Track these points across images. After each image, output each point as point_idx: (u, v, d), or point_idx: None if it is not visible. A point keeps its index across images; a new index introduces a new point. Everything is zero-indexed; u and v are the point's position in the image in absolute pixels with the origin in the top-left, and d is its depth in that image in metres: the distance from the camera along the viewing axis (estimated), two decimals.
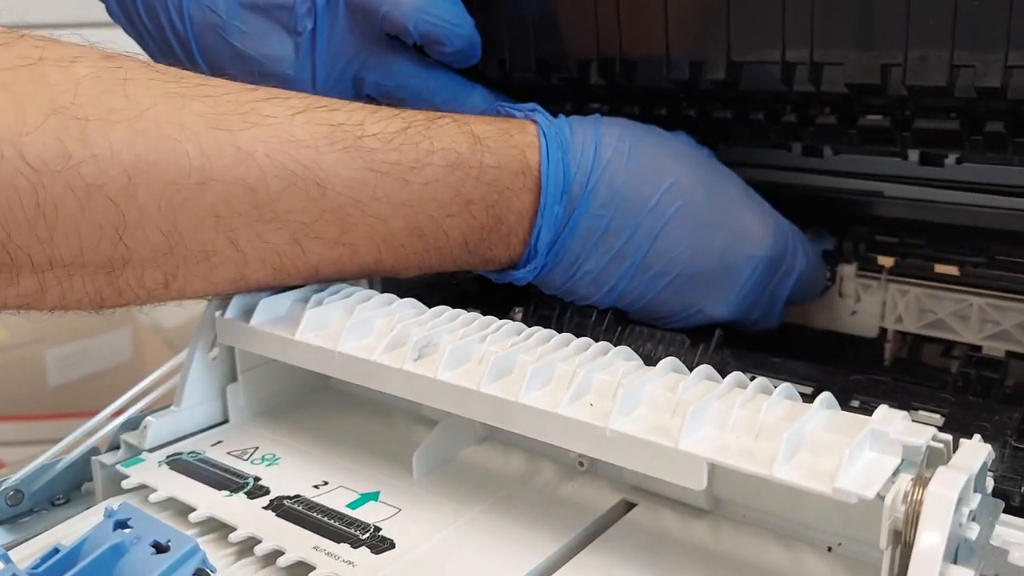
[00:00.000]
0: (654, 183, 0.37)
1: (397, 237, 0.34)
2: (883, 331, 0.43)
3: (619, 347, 0.31)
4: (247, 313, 0.36)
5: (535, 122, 0.37)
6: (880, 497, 0.24)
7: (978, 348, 0.41)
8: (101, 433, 0.38)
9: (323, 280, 0.35)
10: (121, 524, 0.27)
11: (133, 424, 0.38)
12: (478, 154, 0.34)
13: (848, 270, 0.44)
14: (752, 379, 0.28)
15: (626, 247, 0.37)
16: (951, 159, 0.39)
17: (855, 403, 0.35)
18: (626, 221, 0.36)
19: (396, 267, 0.35)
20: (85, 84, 0.27)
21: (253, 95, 0.31)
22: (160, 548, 0.26)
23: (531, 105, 0.38)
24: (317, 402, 0.41)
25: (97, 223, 0.27)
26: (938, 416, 0.34)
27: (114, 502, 0.34)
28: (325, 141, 0.31)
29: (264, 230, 0.31)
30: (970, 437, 0.26)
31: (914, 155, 0.40)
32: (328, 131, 0.31)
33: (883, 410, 0.26)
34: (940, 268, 0.41)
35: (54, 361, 1.05)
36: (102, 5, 0.42)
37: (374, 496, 0.33)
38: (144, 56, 0.42)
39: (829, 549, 0.29)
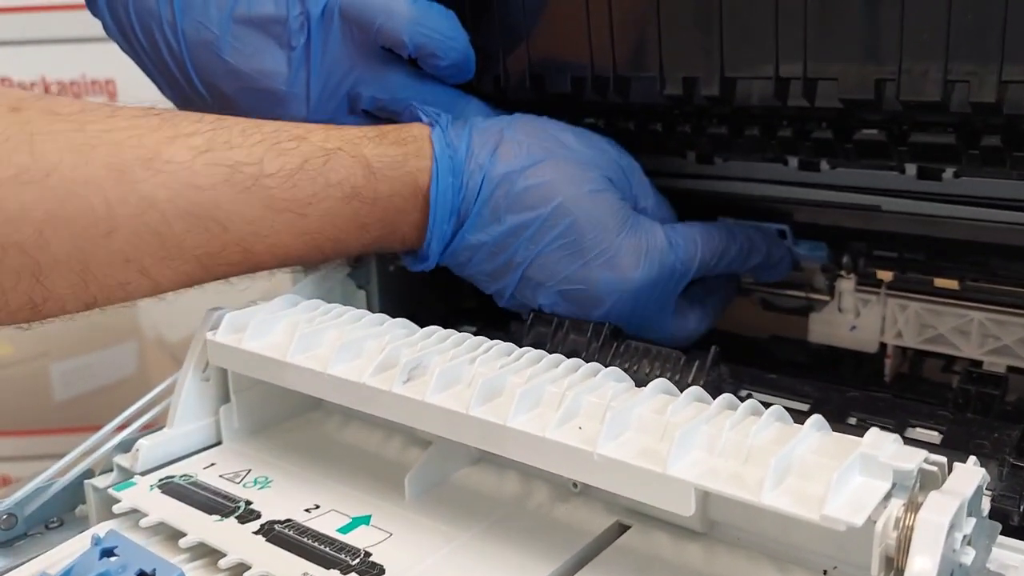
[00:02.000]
0: (538, 207, 0.39)
1: (299, 255, 0.37)
2: (883, 346, 0.43)
3: (609, 368, 0.31)
4: (238, 334, 0.36)
5: (431, 144, 0.39)
6: (872, 523, 0.23)
7: (979, 363, 0.40)
8: (96, 455, 0.38)
9: (233, 280, 0.38)
10: (107, 552, 0.27)
11: (127, 446, 0.37)
12: (372, 184, 0.37)
13: (847, 285, 0.43)
14: (747, 396, 0.28)
15: (511, 260, 0.39)
16: (949, 173, 0.38)
17: (852, 420, 0.35)
18: (510, 239, 0.39)
19: (306, 266, 0.39)
20: None
21: (157, 136, 0.33)
22: None
23: (436, 111, 0.40)
24: (311, 421, 0.41)
25: (14, 271, 0.30)
26: (936, 433, 0.34)
27: (105, 527, 0.34)
28: (225, 185, 0.34)
29: (172, 263, 0.33)
30: (968, 455, 0.26)
31: (911, 169, 0.39)
32: (227, 173, 0.34)
33: (873, 433, 0.26)
34: (940, 282, 0.41)
35: (59, 376, 1.05)
36: (98, 22, 0.43)
37: (365, 520, 0.32)
38: (139, 73, 0.43)
39: (824, 572, 0.29)
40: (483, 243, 0.39)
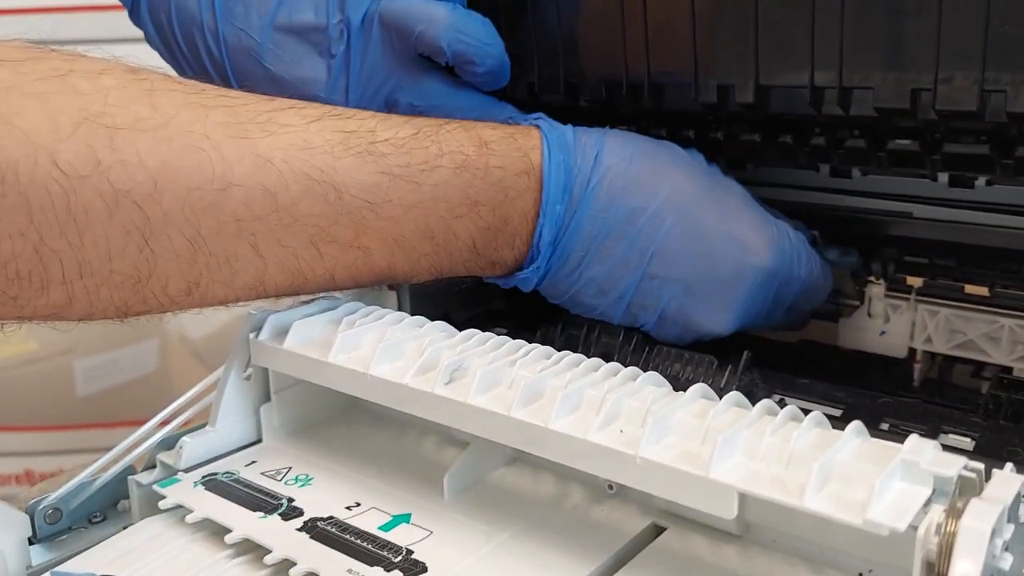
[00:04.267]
0: (654, 189, 0.37)
1: (408, 239, 0.35)
2: (912, 351, 0.43)
3: (648, 372, 0.31)
4: (280, 335, 0.37)
5: (539, 127, 0.38)
6: (912, 528, 0.24)
7: (1009, 369, 0.41)
8: (137, 452, 0.39)
9: (338, 287, 0.36)
10: None
11: (169, 443, 0.38)
12: (484, 156, 0.36)
13: (877, 290, 0.43)
14: (780, 401, 0.28)
15: (628, 254, 0.37)
16: (981, 181, 0.39)
17: (885, 426, 0.35)
18: (626, 227, 0.37)
19: (408, 271, 0.36)
20: (113, 94, 0.28)
21: (270, 105, 0.32)
22: None
23: (536, 114, 0.39)
24: (348, 421, 0.41)
25: (124, 228, 0.28)
26: (968, 440, 0.34)
27: (150, 522, 0.35)
28: (340, 147, 0.33)
29: (283, 234, 0.32)
30: (1002, 462, 0.26)
31: (943, 176, 0.40)
32: (342, 137, 0.33)
33: (913, 439, 0.26)
34: (970, 289, 0.41)
35: (83, 372, 1.07)
36: (128, 23, 0.43)
37: (406, 518, 0.33)
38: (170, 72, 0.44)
39: (860, 575, 0.29)
40: (598, 233, 0.37)
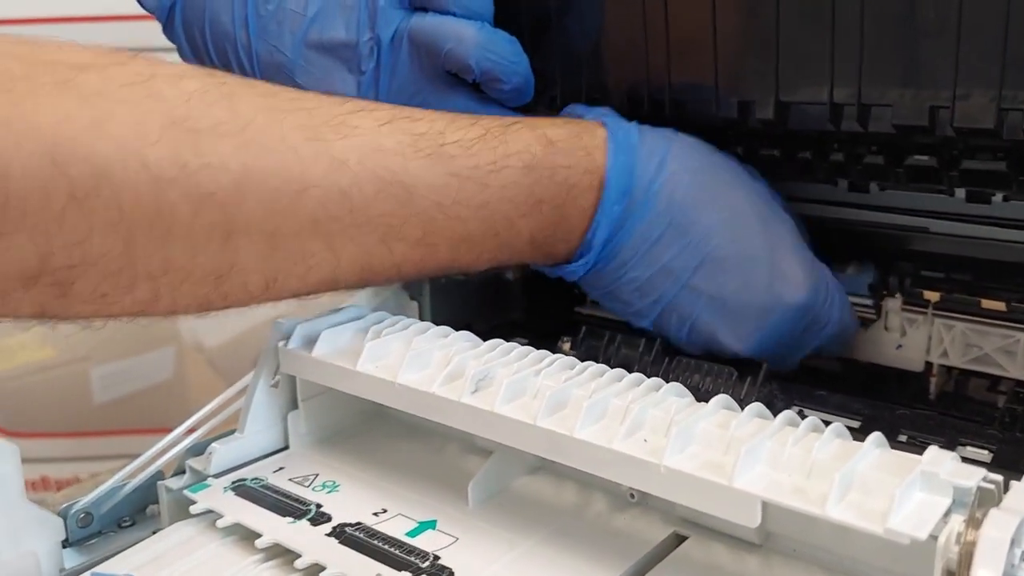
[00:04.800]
0: (713, 205, 0.38)
1: (474, 237, 0.35)
2: (928, 365, 0.44)
3: (671, 383, 0.32)
4: (309, 344, 0.38)
5: (604, 126, 0.39)
6: (932, 538, 0.24)
7: None
8: (165, 458, 0.40)
9: (403, 278, 0.37)
10: None
11: (198, 450, 0.39)
12: (551, 156, 0.36)
13: (893, 304, 0.44)
14: (799, 412, 0.29)
15: (674, 263, 0.38)
16: (998, 196, 0.39)
17: (902, 438, 0.36)
18: (677, 236, 0.38)
19: (469, 264, 0.37)
20: (195, 99, 0.29)
21: (342, 108, 0.33)
22: None
23: (604, 110, 0.40)
24: (373, 429, 0.42)
25: (207, 227, 0.29)
26: (986, 452, 0.35)
27: (181, 526, 0.36)
28: (410, 149, 0.33)
29: (356, 233, 0.32)
30: (1019, 474, 0.27)
31: (960, 192, 0.40)
32: (412, 140, 0.34)
33: (933, 451, 0.27)
34: (987, 303, 0.41)
35: (99, 379, 1.08)
36: (157, 33, 0.44)
37: (431, 524, 0.34)
38: None
39: None
40: (650, 237, 0.38)
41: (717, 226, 0.38)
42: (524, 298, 0.53)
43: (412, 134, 0.34)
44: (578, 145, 0.37)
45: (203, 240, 0.29)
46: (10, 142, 0.25)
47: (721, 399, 0.30)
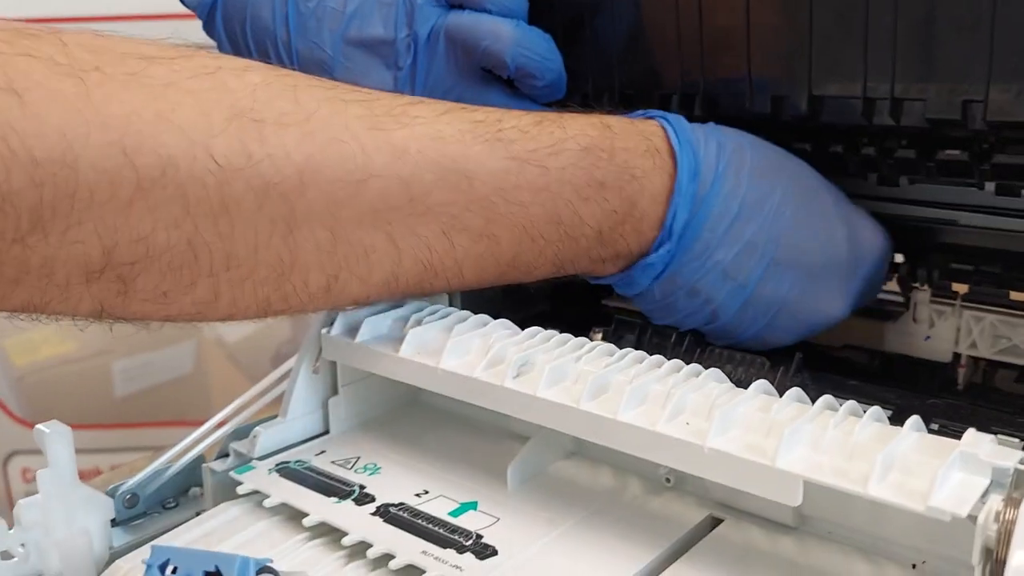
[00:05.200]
0: (777, 175, 0.38)
1: (536, 225, 0.35)
2: (956, 356, 0.44)
3: (710, 369, 0.33)
4: (351, 331, 0.38)
5: (653, 117, 0.39)
6: (971, 518, 0.25)
7: None
8: (207, 442, 0.41)
9: (465, 283, 0.36)
10: (163, 567, 0.27)
11: (240, 434, 0.40)
12: (609, 138, 0.36)
13: (922, 296, 0.45)
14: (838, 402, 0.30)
15: (756, 237, 0.38)
16: None
17: (934, 426, 0.37)
18: (755, 210, 0.37)
19: (532, 263, 0.36)
20: (260, 90, 0.30)
21: (401, 100, 0.34)
22: None
23: (644, 110, 0.40)
24: (409, 416, 0.43)
25: (271, 219, 0.30)
26: (1017, 440, 0.35)
27: (228, 506, 0.37)
28: (469, 136, 0.34)
29: (417, 223, 0.33)
30: None
31: (990, 185, 0.41)
32: (471, 127, 0.34)
33: (971, 433, 0.27)
34: (1015, 295, 0.42)
35: (120, 373, 1.09)
36: (196, 32, 0.45)
37: (473, 505, 0.35)
38: None
39: (914, 566, 0.30)
40: (727, 214, 0.37)
41: (788, 194, 0.38)
42: (550, 291, 0.54)
43: (471, 122, 0.34)
44: (634, 130, 0.37)
45: (266, 234, 0.30)
46: (80, 132, 0.26)
47: (761, 384, 0.31)
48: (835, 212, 0.39)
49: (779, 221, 0.38)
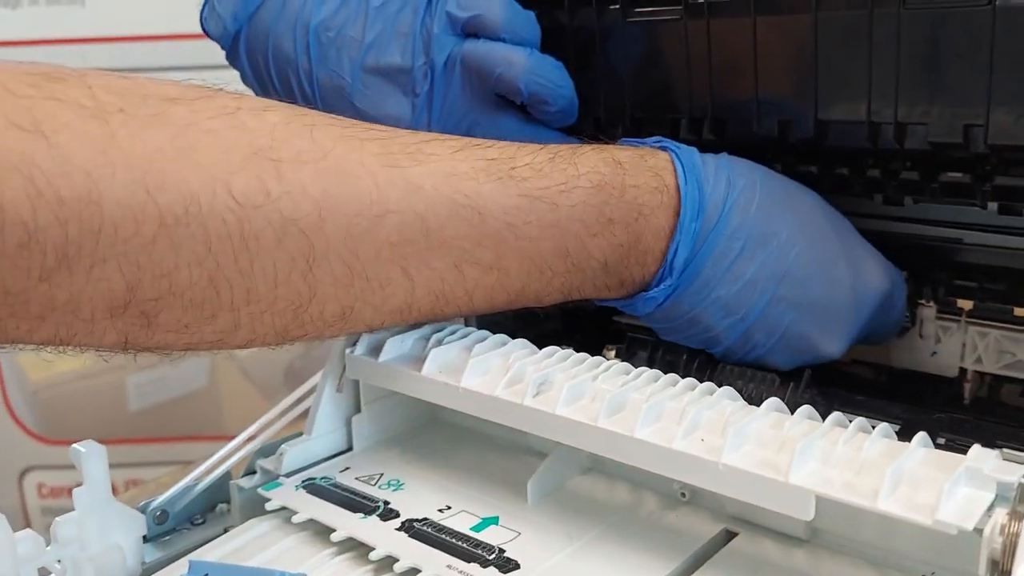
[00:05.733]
0: (786, 215, 0.39)
1: (545, 258, 0.36)
2: (963, 371, 0.45)
3: (723, 388, 0.34)
4: (374, 350, 0.40)
5: (665, 149, 0.40)
6: (977, 531, 0.26)
7: None
8: (233, 460, 0.42)
9: (475, 310, 0.37)
10: None
11: (266, 452, 0.41)
12: (620, 176, 0.37)
13: (928, 312, 0.46)
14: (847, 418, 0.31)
15: (758, 275, 0.38)
16: None
17: (941, 440, 0.38)
18: (758, 248, 0.38)
19: (539, 292, 0.37)
20: (278, 130, 0.31)
21: (416, 137, 0.35)
22: None
23: (657, 138, 0.41)
24: (430, 433, 0.44)
25: (291, 255, 0.31)
26: (1022, 455, 0.36)
27: (256, 522, 0.38)
28: (483, 173, 0.35)
29: (431, 257, 0.34)
30: None
31: (993, 204, 0.42)
32: (485, 164, 0.35)
33: (976, 449, 0.28)
34: (1019, 311, 0.43)
35: (134, 387, 1.11)
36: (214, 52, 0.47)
37: (494, 520, 0.36)
38: None
39: None
40: (731, 253, 0.38)
41: (795, 233, 0.39)
42: (564, 308, 0.55)
43: (484, 159, 0.35)
44: (644, 166, 0.38)
45: (286, 269, 0.31)
46: (106, 171, 0.27)
47: (772, 402, 0.32)
48: (842, 253, 0.40)
49: (783, 260, 0.39)
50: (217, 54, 0.48)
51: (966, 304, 0.45)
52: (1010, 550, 0.25)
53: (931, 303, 0.46)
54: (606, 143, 0.40)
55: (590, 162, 0.37)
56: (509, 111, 0.45)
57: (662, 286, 0.38)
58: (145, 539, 0.39)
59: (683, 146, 0.40)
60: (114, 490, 0.38)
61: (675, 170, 0.38)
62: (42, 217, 0.26)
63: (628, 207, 0.37)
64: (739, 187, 0.39)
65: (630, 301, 0.40)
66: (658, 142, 0.40)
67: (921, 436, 0.29)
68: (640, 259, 0.38)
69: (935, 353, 0.46)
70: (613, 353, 0.47)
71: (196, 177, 0.28)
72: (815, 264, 0.39)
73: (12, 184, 0.26)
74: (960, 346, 0.45)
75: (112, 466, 0.38)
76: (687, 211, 0.38)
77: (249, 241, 0.30)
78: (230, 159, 0.29)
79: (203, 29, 0.47)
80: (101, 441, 0.37)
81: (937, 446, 0.37)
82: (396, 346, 0.39)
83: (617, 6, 0.44)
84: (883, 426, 0.30)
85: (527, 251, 0.36)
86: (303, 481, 0.39)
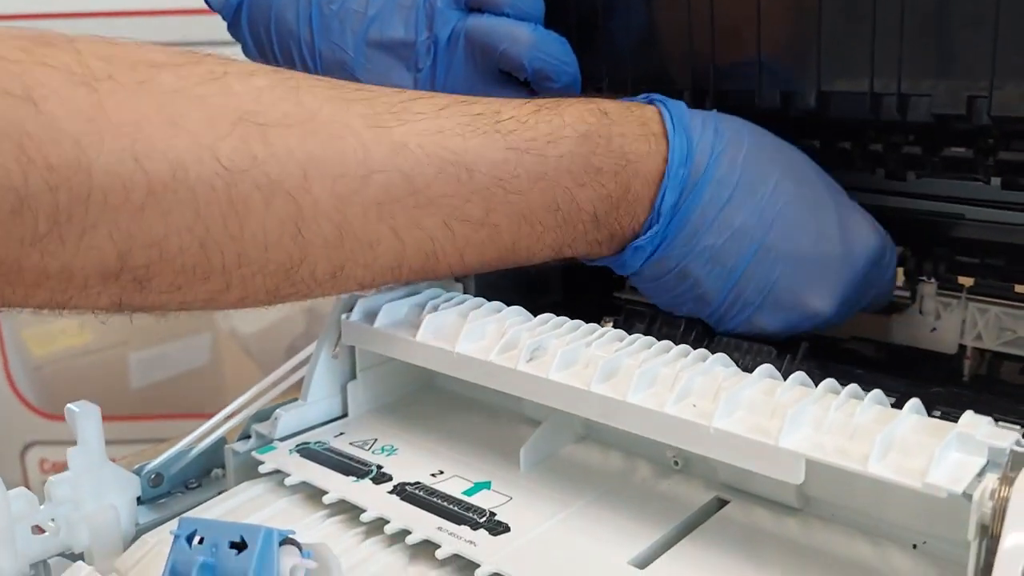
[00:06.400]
0: (776, 165, 0.39)
1: (535, 212, 0.36)
2: (962, 348, 0.45)
3: (717, 354, 0.34)
4: (370, 317, 0.40)
5: (652, 102, 0.40)
6: (967, 495, 0.26)
7: None
8: (229, 425, 0.42)
9: (467, 269, 0.37)
10: (190, 538, 0.28)
11: (261, 416, 0.41)
12: (606, 125, 0.37)
13: (928, 289, 0.45)
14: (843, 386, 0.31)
15: (747, 223, 0.38)
16: None
17: (936, 413, 0.37)
18: (747, 197, 0.38)
19: (531, 248, 0.37)
20: (264, 94, 0.31)
21: (402, 96, 0.35)
22: (239, 546, 0.27)
23: (646, 94, 0.41)
24: (424, 400, 0.44)
25: (279, 218, 0.31)
26: (1018, 427, 0.36)
27: (250, 485, 0.38)
28: (469, 129, 0.35)
29: (420, 215, 0.34)
30: None
31: (996, 179, 0.42)
32: (470, 120, 0.35)
33: (969, 415, 0.28)
34: (1020, 288, 0.43)
35: (136, 365, 1.11)
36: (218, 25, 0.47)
37: (486, 485, 0.36)
38: None
39: (914, 547, 0.31)
40: (719, 200, 0.38)
41: (784, 183, 0.39)
42: (563, 282, 0.55)
43: (469, 115, 0.35)
44: (631, 116, 0.38)
45: (276, 232, 0.31)
46: (94, 139, 0.27)
47: (765, 368, 0.32)
48: (831, 205, 0.40)
49: (771, 209, 0.38)
50: (218, 28, 0.48)
51: (967, 280, 0.45)
52: (999, 515, 0.25)
53: (931, 279, 0.45)
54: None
55: (576, 112, 0.37)
56: (512, 87, 0.45)
57: (649, 233, 0.38)
58: (140, 501, 0.39)
59: (670, 99, 0.40)
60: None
61: (662, 119, 0.38)
62: (33, 184, 0.26)
63: (616, 156, 0.37)
64: (726, 137, 0.39)
65: (619, 256, 0.40)
66: (646, 97, 0.40)
67: (913, 402, 0.29)
68: (629, 209, 0.38)
69: (934, 330, 0.46)
70: (611, 325, 0.47)
71: (183, 144, 0.29)
72: (803, 214, 0.39)
73: (3, 150, 0.26)
74: (960, 323, 0.45)
75: (113, 442, 0.38)
76: (675, 157, 0.37)
77: (238, 205, 0.30)
78: (217, 125, 0.29)
79: (205, 0, 0.47)
80: (103, 417, 0.37)
81: (934, 418, 0.37)
82: (391, 312, 0.39)
83: None
84: (875, 392, 0.30)
85: (517, 206, 0.36)
86: (297, 445, 0.39)
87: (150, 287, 0.30)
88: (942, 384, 0.42)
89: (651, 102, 0.40)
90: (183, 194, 0.29)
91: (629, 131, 0.38)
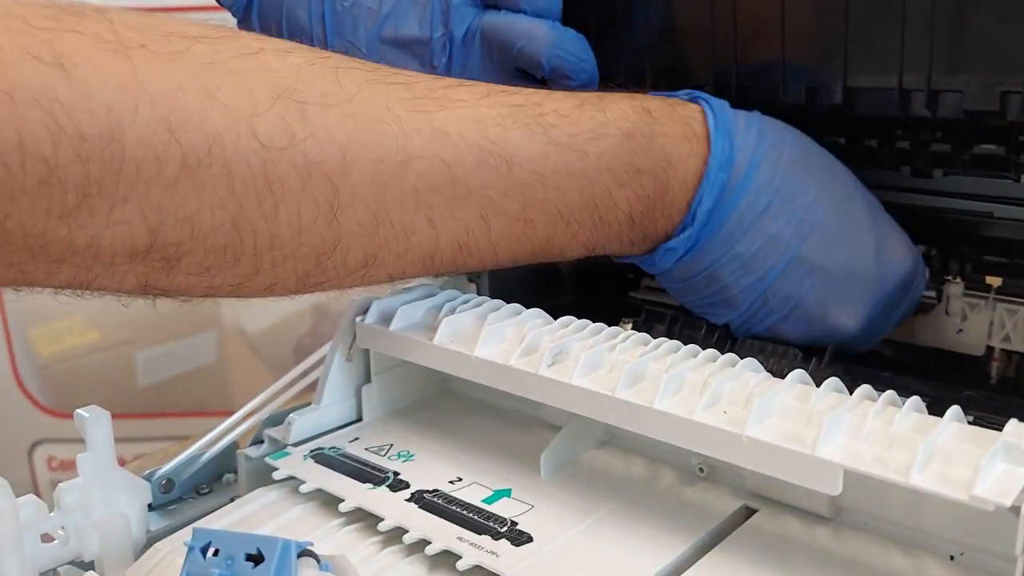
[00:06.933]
0: (816, 176, 0.38)
1: (572, 210, 0.35)
2: (990, 349, 0.44)
3: (746, 359, 0.33)
4: (385, 319, 0.39)
5: (696, 100, 0.38)
6: (1014, 508, 0.25)
7: None
8: (240, 429, 0.41)
9: (499, 263, 0.36)
10: (204, 549, 0.27)
11: (274, 421, 0.40)
12: (649, 124, 0.36)
13: (955, 289, 0.44)
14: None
15: (782, 233, 0.37)
16: None
17: (970, 418, 0.36)
18: (784, 206, 0.37)
19: (564, 245, 0.36)
20: (303, 71, 0.30)
21: (442, 82, 0.34)
22: (255, 558, 0.26)
23: (687, 90, 0.40)
24: (440, 404, 0.43)
25: (315, 200, 0.30)
26: None
27: (264, 492, 0.37)
28: (510, 119, 0.33)
29: (457, 206, 0.33)
30: None
31: None
32: (511, 111, 0.34)
33: (1014, 423, 0.27)
34: None
35: (144, 362, 1.10)
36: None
37: (507, 493, 0.35)
38: None
39: (952, 558, 0.30)
40: (757, 207, 0.37)
41: (824, 194, 0.38)
42: (577, 282, 0.54)
43: (511, 105, 0.34)
44: (674, 114, 0.37)
45: (311, 215, 0.30)
46: (128, 108, 0.26)
47: (798, 374, 0.31)
48: (868, 222, 0.39)
49: (808, 220, 0.37)
50: (228, 24, 0.47)
51: (995, 280, 0.43)
52: None
53: (958, 279, 0.44)
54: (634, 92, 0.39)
55: (619, 109, 0.36)
56: (530, 85, 0.44)
57: (683, 236, 0.37)
58: (150, 508, 0.38)
59: (714, 98, 0.39)
60: (121, 463, 0.37)
61: (705, 120, 0.37)
62: (63, 154, 0.25)
63: (657, 157, 0.36)
64: (769, 141, 0.38)
65: (650, 256, 0.39)
66: (688, 94, 0.39)
67: (954, 410, 0.28)
68: (665, 211, 0.37)
69: (961, 331, 0.44)
70: (630, 326, 0.46)
71: (220, 117, 0.27)
72: (840, 229, 0.38)
73: (32, 117, 0.25)
74: (988, 324, 0.44)
75: (121, 440, 0.37)
76: (715, 160, 0.36)
77: (273, 184, 0.29)
78: (255, 100, 0.28)
79: None
80: (112, 416, 0.36)
81: (968, 423, 0.36)
82: (407, 315, 0.38)
83: None
84: (913, 399, 0.29)
85: (554, 202, 0.35)
86: (311, 451, 0.38)
87: (178, 268, 0.29)
88: (970, 387, 0.41)
89: (694, 99, 0.39)
90: (218, 169, 0.28)
91: (672, 131, 0.36)
